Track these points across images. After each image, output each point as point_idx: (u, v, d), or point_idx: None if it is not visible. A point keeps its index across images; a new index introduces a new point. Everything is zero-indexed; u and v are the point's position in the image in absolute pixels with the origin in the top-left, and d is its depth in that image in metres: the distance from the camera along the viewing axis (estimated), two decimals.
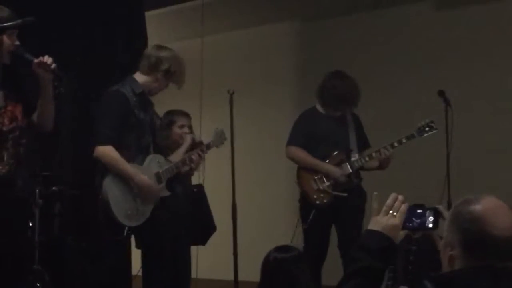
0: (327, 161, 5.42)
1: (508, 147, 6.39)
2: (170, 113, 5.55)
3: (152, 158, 4.67)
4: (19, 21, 3.78)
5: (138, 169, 4.55)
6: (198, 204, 6.20)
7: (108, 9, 6.67)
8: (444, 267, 2.01)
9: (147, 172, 4.60)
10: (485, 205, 1.97)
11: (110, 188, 4.47)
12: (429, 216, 2.33)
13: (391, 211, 2.28)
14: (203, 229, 6.21)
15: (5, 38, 3.89)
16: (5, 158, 3.90)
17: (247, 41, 8.13)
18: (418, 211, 2.34)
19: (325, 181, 5.36)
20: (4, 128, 3.92)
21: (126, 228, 4.49)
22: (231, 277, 5.38)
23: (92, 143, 4.51)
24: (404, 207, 2.28)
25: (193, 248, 6.45)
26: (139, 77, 4.66)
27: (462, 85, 6.49)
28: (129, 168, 4.49)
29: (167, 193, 4.70)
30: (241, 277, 5.32)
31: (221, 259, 5.99)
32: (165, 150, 5.08)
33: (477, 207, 1.98)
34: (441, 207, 2.38)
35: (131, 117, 4.53)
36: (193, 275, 6.56)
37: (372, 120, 6.12)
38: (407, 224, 2.29)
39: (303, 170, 5.47)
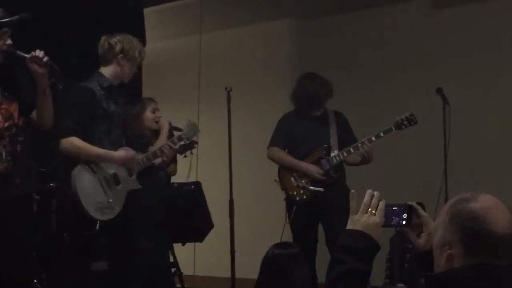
0: (306, 159, 5.49)
1: (506, 145, 6.40)
2: (137, 101, 5.53)
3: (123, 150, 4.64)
4: (16, 17, 3.77)
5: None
6: (195, 202, 6.22)
7: (106, 6, 6.67)
8: (439, 266, 2.00)
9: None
10: (485, 203, 1.96)
11: (79, 180, 4.42)
12: (403, 213, 2.32)
13: (369, 209, 2.24)
14: (200, 226, 6.22)
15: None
16: (3, 156, 3.89)
17: (245, 38, 8.12)
18: (394, 208, 2.32)
19: (304, 178, 5.44)
20: (0, 126, 3.91)
21: (98, 222, 4.43)
22: (228, 274, 5.39)
23: (56, 138, 4.48)
24: (382, 205, 2.24)
25: (191, 245, 6.47)
26: (104, 70, 4.66)
27: (460, 83, 6.49)
28: (99, 150, 4.45)
29: (138, 186, 4.64)
30: (238, 274, 5.32)
31: (218, 256, 6.01)
32: (149, 138, 5.08)
33: (477, 205, 1.95)
34: (414, 204, 2.36)
35: (99, 110, 4.51)
36: (191, 272, 6.58)
37: (369, 118, 6.13)
38: (385, 221, 2.26)
39: (282, 169, 5.57)
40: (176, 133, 5.26)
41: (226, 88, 5.38)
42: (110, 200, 4.47)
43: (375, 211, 2.23)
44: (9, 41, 3.95)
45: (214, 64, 7.95)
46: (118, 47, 4.60)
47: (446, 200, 5.18)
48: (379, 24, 7.23)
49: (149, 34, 7.25)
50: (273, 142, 5.65)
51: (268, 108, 7.76)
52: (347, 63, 7.25)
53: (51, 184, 5.13)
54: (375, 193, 2.26)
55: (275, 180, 5.59)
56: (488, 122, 6.50)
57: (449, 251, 1.96)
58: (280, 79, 7.87)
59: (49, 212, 5.13)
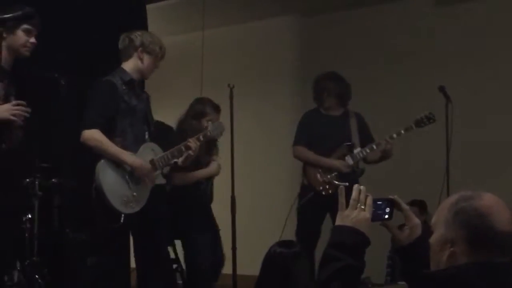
0: (331, 156, 5.68)
1: (508, 143, 6.39)
2: (201, 102, 5.58)
3: (146, 146, 4.66)
4: (19, 12, 3.79)
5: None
6: None
7: (108, 2, 6.66)
8: (439, 263, 2.00)
9: (140, 158, 4.60)
10: (488, 201, 1.97)
11: (104, 174, 4.46)
12: (386, 207, 2.33)
13: (358, 204, 2.24)
14: None
15: (20, 33, 4.00)
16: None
17: (248, 35, 8.12)
18: (378, 202, 2.32)
19: (330, 172, 5.63)
20: None
21: (123, 215, 4.47)
22: (229, 270, 5.39)
23: (80, 129, 4.52)
24: (370, 200, 2.25)
25: None
26: (125, 65, 4.71)
27: (463, 81, 6.49)
28: (117, 149, 4.48)
29: (163, 181, 4.69)
30: (240, 270, 5.33)
31: None
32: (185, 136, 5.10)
33: (482, 203, 1.96)
34: (397, 197, 2.36)
35: (121, 103, 4.54)
36: None
37: (372, 116, 6.13)
38: (373, 216, 2.26)
39: (308, 165, 5.74)
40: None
41: (228, 85, 5.38)
42: (135, 194, 4.52)
43: (364, 206, 2.24)
44: (32, 40, 4.10)
45: (216, 61, 7.94)
46: (138, 41, 4.66)
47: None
48: (381, 21, 7.23)
49: (151, 30, 7.24)
50: (297, 141, 5.84)
51: (270, 105, 7.77)
52: (349, 60, 7.25)
53: (53, 180, 5.12)
54: (362, 187, 2.27)
55: (302, 176, 5.77)
56: (491, 120, 6.50)
57: (451, 249, 1.96)
58: (283, 76, 7.88)
59: (51, 207, 5.13)
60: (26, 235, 4.81)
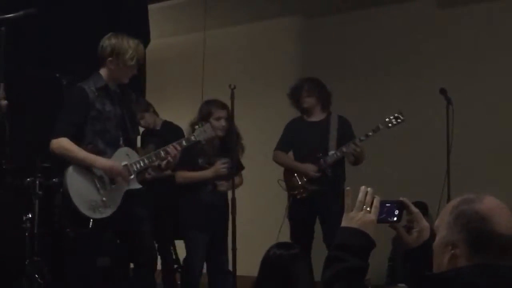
0: (306, 161, 5.77)
1: (508, 145, 6.39)
2: (207, 102, 5.63)
3: (120, 151, 4.59)
4: (21, 12, 3.79)
5: None
6: None
7: (111, 3, 6.67)
8: (441, 266, 2.00)
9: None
10: (489, 204, 1.97)
11: (71, 179, 4.43)
12: (395, 210, 2.32)
13: (364, 206, 2.23)
14: None
15: None
16: None
17: (249, 35, 8.13)
18: (387, 204, 2.31)
19: (303, 177, 5.75)
20: None
21: (91, 220, 4.43)
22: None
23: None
24: (376, 201, 2.24)
25: None
26: (101, 71, 4.64)
27: (463, 83, 6.49)
28: (86, 154, 4.43)
29: (137, 186, 4.62)
30: (240, 271, 5.32)
31: None
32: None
33: (482, 206, 1.97)
34: (406, 200, 2.35)
35: (92, 111, 4.49)
36: None
37: (373, 118, 6.12)
38: (380, 218, 2.26)
39: (286, 170, 5.94)
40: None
41: (230, 86, 5.37)
42: (104, 199, 4.47)
43: (370, 208, 2.23)
44: None
45: (218, 62, 7.95)
46: (108, 50, 4.58)
47: (448, 200, 5.18)
48: (383, 23, 7.24)
49: (153, 31, 7.25)
50: (277, 146, 6.05)
51: (272, 106, 7.77)
52: (350, 61, 7.25)
53: (54, 180, 5.12)
54: (369, 189, 2.26)
55: (279, 181, 5.94)
56: (491, 123, 6.50)
57: (452, 251, 1.96)
58: (284, 76, 7.86)
59: (52, 207, 5.13)
60: (26, 234, 4.82)
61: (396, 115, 5.58)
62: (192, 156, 5.41)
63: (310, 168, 5.71)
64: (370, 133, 5.56)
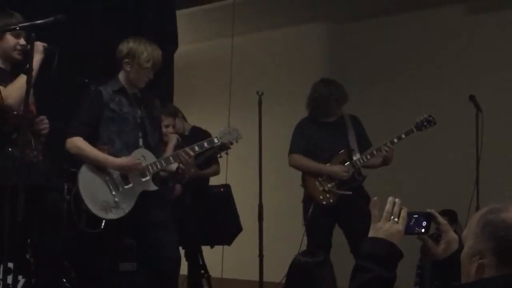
0: (330, 163, 5.47)
1: None
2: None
3: (137, 152, 4.60)
4: (51, 19, 3.82)
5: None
6: (224, 204, 6.22)
7: (139, 9, 6.72)
8: (469, 276, 1.98)
9: None
10: None
11: (84, 179, 4.47)
12: (423, 221, 2.32)
13: (391, 217, 2.23)
14: (229, 229, 6.23)
15: (9, 36, 4.14)
16: (33, 143, 4.16)
17: (277, 42, 8.12)
18: (415, 216, 2.31)
19: (329, 181, 5.42)
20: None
21: (104, 221, 4.46)
22: (256, 277, 5.38)
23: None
24: (404, 212, 2.24)
25: (219, 248, 6.48)
26: (119, 74, 4.70)
27: (493, 90, 6.43)
28: (98, 153, 4.48)
29: (153, 188, 4.61)
30: (266, 278, 5.31)
31: (246, 259, 6.00)
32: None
33: (509, 215, 1.96)
34: (433, 211, 2.34)
35: (106, 111, 4.53)
36: (218, 275, 6.59)
37: (401, 125, 6.08)
38: (407, 229, 2.26)
39: (307, 174, 5.54)
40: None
41: (257, 92, 5.37)
42: (116, 199, 4.49)
43: (398, 218, 2.23)
44: (22, 41, 4.16)
45: (245, 68, 7.95)
46: (125, 51, 4.61)
47: (477, 208, 5.13)
48: (411, 29, 7.19)
49: (181, 37, 7.29)
50: (293, 149, 5.63)
51: (299, 112, 7.73)
52: (378, 68, 7.22)
53: None
54: (397, 200, 2.26)
55: (301, 185, 5.59)
56: None
57: (480, 261, 1.95)
58: (312, 83, 7.85)
59: (80, 212, 5.16)
60: None
61: (427, 117, 5.39)
62: None
63: (339, 170, 5.39)
64: (403, 135, 5.38)
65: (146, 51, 4.58)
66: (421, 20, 7.17)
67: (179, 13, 7.43)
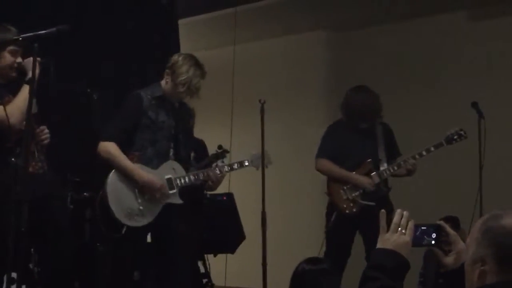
0: (355, 171, 5.49)
1: None
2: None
3: (168, 164, 4.64)
4: (54, 29, 3.83)
5: (145, 171, 4.54)
6: (227, 213, 6.22)
7: (141, 17, 6.73)
8: (472, 283, 1.99)
9: (157, 175, 4.57)
10: None
11: (112, 184, 4.49)
12: (432, 233, 2.35)
13: (399, 228, 2.26)
14: (232, 237, 6.22)
15: (7, 54, 4.15)
16: (36, 155, 4.17)
17: (279, 50, 8.13)
18: (423, 228, 2.35)
19: (354, 190, 5.42)
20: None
21: (125, 227, 4.48)
22: (259, 285, 5.37)
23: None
24: (411, 224, 2.28)
25: (222, 256, 6.47)
26: (162, 81, 4.70)
27: (495, 97, 6.43)
28: (128, 163, 4.49)
29: (179, 201, 4.63)
30: (270, 286, 5.30)
31: (249, 268, 5.99)
32: None
33: (509, 221, 1.97)
34: (442, 223, 2.37)
35: (143, 118, 4.55)
36: (222, 283, 6.58)
37: (404, 131, 6.09)
38: (415, 241, 2.29)
39: (332, 181, 5.56)
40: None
41: (259, 100, 5.37)
42: (141, 208, 4.50)
43: (405, 230, 2.26)
44: (19, 59, 4.17)
45: (247, 76, 7.96)
46: (170, 62, 4.63)
47: (481, 214, 5.12)
48: (414, 36, 7.20)
49: (183, 45, 7.29)
50: (321, 153, 5.64)
51: (302, 120, 7.75)
52: (380, 75, 7.22)
53: (85, 194, 5.16)
54: (405, 212, 2.29)
55: (325, 193, 5.60)
56: None
57: (481, 268, 1.96)
58: (314, 91, 7.86)
59: (83, 221, 5.17)
60: None
61: (458, 131, 5.40)
62: None
63: (366, 181, 5.40)
64: (432, 148, 5.37)
65: (186, 74, 4.58)
66: (423, 27, 7.17)
67: (181, 22, 7.45)
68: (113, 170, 4.51)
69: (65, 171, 5.09)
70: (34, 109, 4.00)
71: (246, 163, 4.92)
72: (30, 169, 3.92)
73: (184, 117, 4.78)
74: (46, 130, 4.30)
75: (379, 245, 2.27)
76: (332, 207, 5.54)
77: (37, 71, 3.93)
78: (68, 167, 5.05)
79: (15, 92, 4.12)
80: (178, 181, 4.61)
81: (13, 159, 4.03)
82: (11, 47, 4.15)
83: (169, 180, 4.60)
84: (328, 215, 5.56)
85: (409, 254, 2.22)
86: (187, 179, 4.64)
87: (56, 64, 4.09)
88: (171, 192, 4.59)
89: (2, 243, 3.68)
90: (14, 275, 3.71)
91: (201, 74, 4.65)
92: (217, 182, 4.86)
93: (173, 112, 4.68)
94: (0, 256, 3.74)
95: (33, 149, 4.10)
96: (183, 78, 4.57)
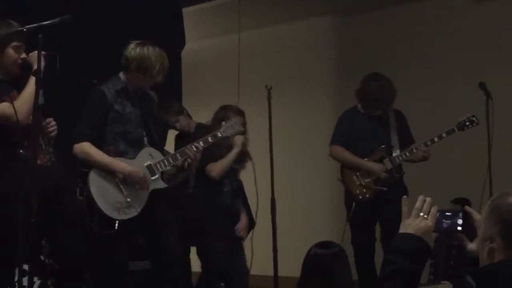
0: (369, 157, 5.55)
1: None
2: (223, 108, 5.58)
3: (144, 151, 4.64)
4: (58, 19, 3.82)
5: (124, 161, 4.55)
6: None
7: (145, 6, 6.72)
8: (483, 261, 2.00)
9: (136, 164, 4.57)
10: None
11: (93, 183, 4.49)
12: (458, 219, 2.35)
13: (421, 214, 2.26)
14: None
15: (10, 50, 4.11)
16: (43, 147, 4.17)
17: (284, 36, 8.11)
18: (447, 213, 2.35)
19: (367, 176, 5.50)
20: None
21: (117, 222, 4.48)
22: (270, 272, 5.38)
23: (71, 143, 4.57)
24: (434, 210, 2.27)
25: None
26: (121, 74, 4.69)
27: (503, 77, 6.40)
28: (107, 158, 4.49)
29: (162, 185, 4.65)
30: (281, 272, 5.31)
31: (260, 254, 5.99)
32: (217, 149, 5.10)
33: None
34: (468, 208, 2.38)
35: (111, 112, 4.54)
36: None
37: (412, 114, 6.07)
38: (438, 226, 2.30)
39: (345, 167, 5.64)
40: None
41: (266, 86, 5.36)
42: (128, 200, 4.52)
43: (427, 215, 2.26)
44: (23, 55, 4.14)
45: (253, 62, 7.95)
46: (134, 64, 4.59)
47: (490, 195, 5.11)
48: (420, 19, 7.18)
49: (188, 34, 7.29)
50: (335, 140, 5.71)
51: (308, 106, 7.75)
52: (387, 59, 7.20)
53: None
54: (427, 198, 2.29)
55: (339, 179, 5.67)
56: None
57: (490, 245, 1.97)
58: (321, 76, 7.85)
59: (92, 214, 5.17)
60: None
61: (470, 117, 5.45)
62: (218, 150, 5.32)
63: (378, 169, 5.49)
64: (444, 135, 5.45)
65: (157, 63, 4.58)
66: (428, 10, 7.15)
67: (186, 11, 7.43)
68: (91, 169, 4.52)
69: (73, 162, 5.09)
70: (41, 101, 4.00)
71: (219, 134, 4.92)
72: (38, 161, 3.91)
73: (147, 102, 4.79)
74: (53, 122, 4.30)
75: (401, 230, 2.26)
76: (348, 198, 5.62)
77: (43, 63, 3.93)
78: (76, 158, 5.05)
79: (20, 88, 4.12)
80: (158, 166, 4.63)
81: (21, 151, 4.03)
82: (14, 43, 4.13)
83: (149, 166, 4.62)
84: (347, 203, 5.64)
85: (430, 239, 2.23)
86: (166, 162, 4.65)
87: (60, 55, 4.08)
88: (153, 178, 4.60)
89: (13, 236, 3.69)
90: (25, 267, 3.73)
91: (162, 53, 4.65)
92: (195, 159, 4.85)
93: (137, 101, 4.68)
94: (12, 249, 3.76)
95: (40, 141, 4.10)
96: (157, 67, 4.57)
